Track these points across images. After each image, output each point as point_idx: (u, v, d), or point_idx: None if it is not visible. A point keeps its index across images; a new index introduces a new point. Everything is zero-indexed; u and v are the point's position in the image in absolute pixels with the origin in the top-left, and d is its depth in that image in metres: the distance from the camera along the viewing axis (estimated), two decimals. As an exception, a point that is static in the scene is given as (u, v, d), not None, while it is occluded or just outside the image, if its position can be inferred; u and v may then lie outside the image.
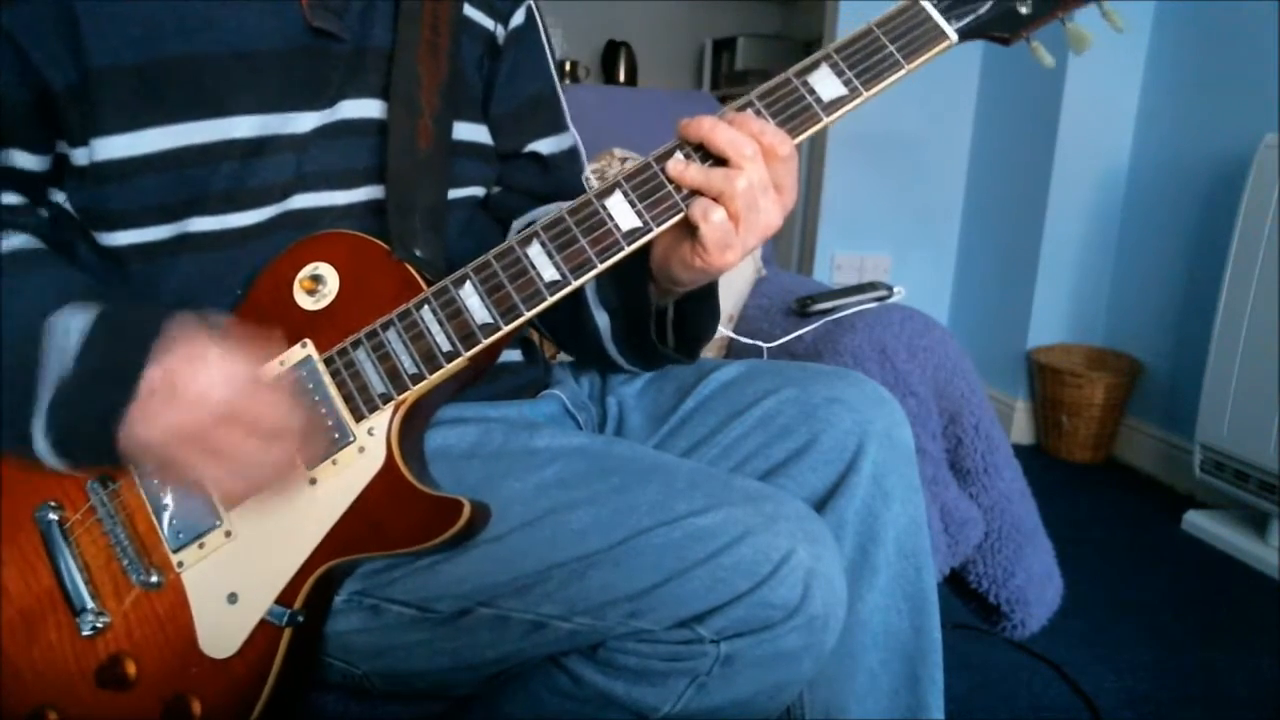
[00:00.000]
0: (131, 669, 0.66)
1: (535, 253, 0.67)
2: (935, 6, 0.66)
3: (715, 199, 0.65)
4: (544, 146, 0.90)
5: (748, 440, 0.79)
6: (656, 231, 0.66)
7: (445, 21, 0.78)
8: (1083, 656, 1.51)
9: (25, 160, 0.71)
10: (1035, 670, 1.47)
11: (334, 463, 0.67)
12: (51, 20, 0.67)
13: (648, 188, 0.66)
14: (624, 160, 1.43)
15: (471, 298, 0.67)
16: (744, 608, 0.63)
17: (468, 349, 0.67)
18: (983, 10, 0.66)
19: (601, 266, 0.66)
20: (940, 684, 0.80)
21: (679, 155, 0.66)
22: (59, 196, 0.73)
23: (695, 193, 0.66)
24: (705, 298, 0.80)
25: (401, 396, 0.67)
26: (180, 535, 0.67)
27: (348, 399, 0.67)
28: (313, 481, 0.67)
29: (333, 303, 0.69)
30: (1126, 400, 2.41)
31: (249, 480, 0.63)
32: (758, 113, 0.66)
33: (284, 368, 0.68)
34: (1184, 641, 1.60)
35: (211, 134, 0.69)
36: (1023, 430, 2.59)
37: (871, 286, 1.25)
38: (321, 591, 0.68)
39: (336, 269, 0.70)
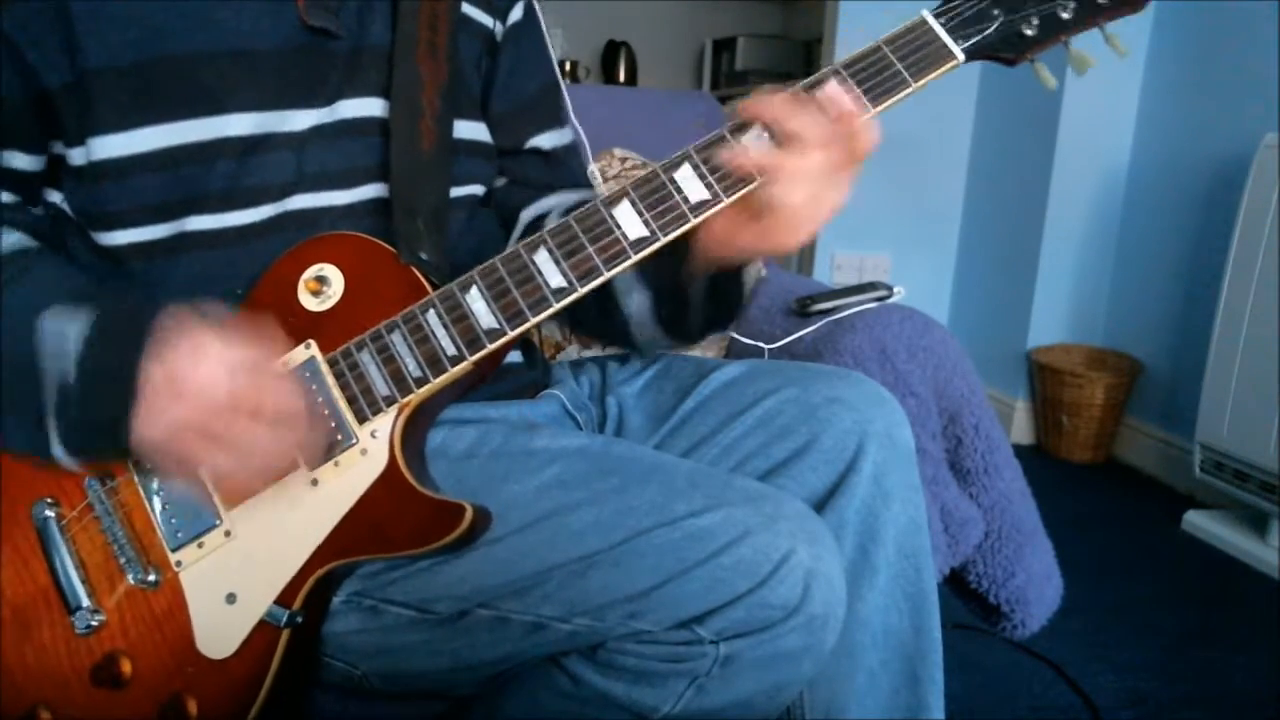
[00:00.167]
0: (127, 668, 0.66)
1: (542, 259, 0.67)
2: (943, 26, 0.67)
3: (786, 179, 0.64)
4: (545, 141, 0.90)
5: (748, 440, 0.79)
6: (663, 241, 0.66)
7: (444, 20, 0.78)
8: (1082, 656, 1.51)
9: (20, 160, 0.71)
10: (1035, 670, 1.47)
11: (336, 464, 0.67)
12: (47, 20, 0.67)
13: (655, 197, 0.66)
14: (624, 160, 1.43)
15: (478, 302, 0.67)
16: (744, 608, 0.63)
17: (473, 353, 0.67)
18: (989, 31, 0.67)
19: (608, 274, 0.66)
20: (940, 684, 0.80)
21: (747, 135, 0.65)
22: (56, 197, 0.73)
23: (759, 174, 0.65)
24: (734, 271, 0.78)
25: (405, 399, 0.67)
26: (179, 534, 0.67)
27: (351, 401, 0.67)
28: (314, 483, 0.67)
29: (337, 304, 0.69)
30: (1126, 400, 2.41)
31: (256, 469, 0.63)
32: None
33: (287, 368, 0.68)
34: (1184, 641, 1.60)
35: (207, 132, 0.69)
36: (1023, 430, 2.59)
37: (871, 286, 1.25)
38: (321, 592, 0.68)
39: (341, 270, 0.69)
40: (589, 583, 0.65)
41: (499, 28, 0.85)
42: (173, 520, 0.67)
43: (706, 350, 1.31)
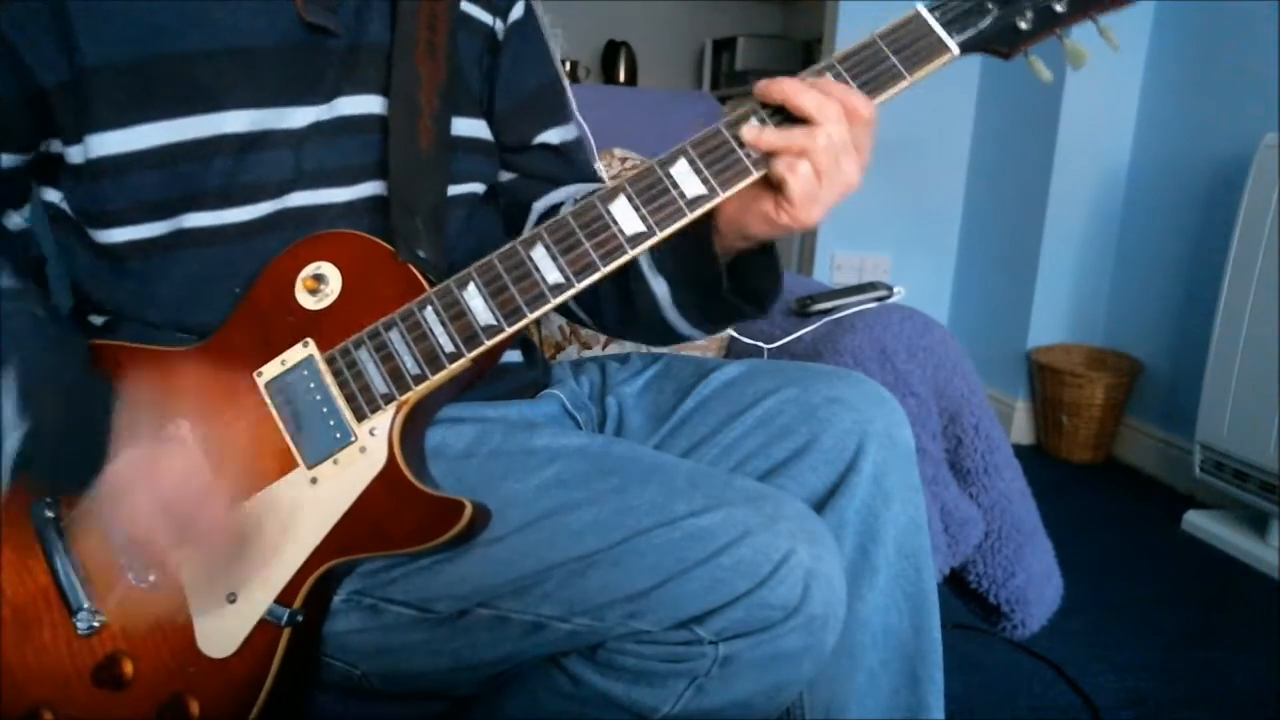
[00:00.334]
0: (128, 668, 0.66)
1: (539, 255, 0.67)
2: (937, 20, 0.67)
3: (798, 155, 0.65)
4: (553, 137, 0.89)
5: (748, 440, 0.79)
6: (659, 236, 0.66)
7: (443, 19, 0.78)
8: (1082, 656, 1.51)
9: (5, 160, 0.71)
10: (1035, 670, 1.47)
11: (335, 462, 0.67)
12: (44, 20, 0.67)
13: (652, 192, 0.66)
14: (624, 160, 1.43)
15: (475, 299, 0.67)
16: (743, 608, 0.63)
17: (471, 350, 0.67)
18: (984, 24, 0.67)
19: (605, 270, 0.66)
20: (940, 684, 0.80)
21: (752, 121, 0.66)
22: (54, 196, 0.73)
23: (772, 154, 0.65)
24: (761, 250, 0.77)
25: (404, 397, 0.67)
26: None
27: (349, 399, 0.67)
28: (314, 481, 0.67)
29: (335, 302, 0.69)
30: (1126, 400, 2.41)
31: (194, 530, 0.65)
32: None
33: (285, 366, 0.68)
34: (1184, 641, 1.60)
35: (204, 129, 0.69)
36: (1023, 430, 2.59)
37: (871, 286, 1.25)
38: (321, 591, 0.68)
39: (339, 268, 0.69)
40: (589, 582, 0.65)
41: (500, 25, 0.85)
42: (172, 520, 0.67)
43: (706, 350, 1.31)
